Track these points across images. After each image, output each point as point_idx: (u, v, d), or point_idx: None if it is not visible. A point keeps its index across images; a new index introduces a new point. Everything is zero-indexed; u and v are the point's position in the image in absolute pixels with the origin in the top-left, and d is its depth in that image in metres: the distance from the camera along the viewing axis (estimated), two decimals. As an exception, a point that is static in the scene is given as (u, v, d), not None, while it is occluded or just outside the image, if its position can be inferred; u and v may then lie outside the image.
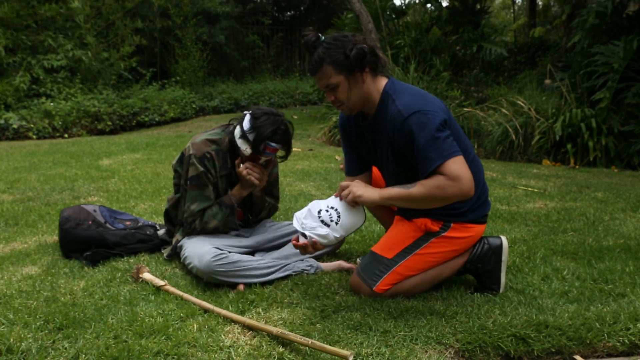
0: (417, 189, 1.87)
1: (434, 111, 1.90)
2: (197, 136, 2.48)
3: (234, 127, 2.41)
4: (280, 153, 2.47)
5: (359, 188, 1.97)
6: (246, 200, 2.59)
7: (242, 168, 2.39)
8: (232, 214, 2.47)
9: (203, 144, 2.42)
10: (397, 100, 1.95)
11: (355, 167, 2.28)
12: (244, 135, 2.35)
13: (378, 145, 2.09)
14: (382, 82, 2.04)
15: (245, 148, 2.36)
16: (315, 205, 2.04)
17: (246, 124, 2.35)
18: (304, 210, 2.05)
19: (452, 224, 2.07)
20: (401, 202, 1.94)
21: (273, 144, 2.33)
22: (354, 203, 1.99)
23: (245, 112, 2.41)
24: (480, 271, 2.15)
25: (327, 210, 2.00)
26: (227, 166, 2.47)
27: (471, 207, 2.07)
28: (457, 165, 1.83)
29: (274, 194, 2.69)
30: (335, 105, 2.06)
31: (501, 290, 2.15)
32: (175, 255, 2.54)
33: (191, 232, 2.45)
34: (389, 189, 1.96)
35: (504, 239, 2.18)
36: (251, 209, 2.64)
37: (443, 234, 2.07)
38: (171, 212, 2.64)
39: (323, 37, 2.00)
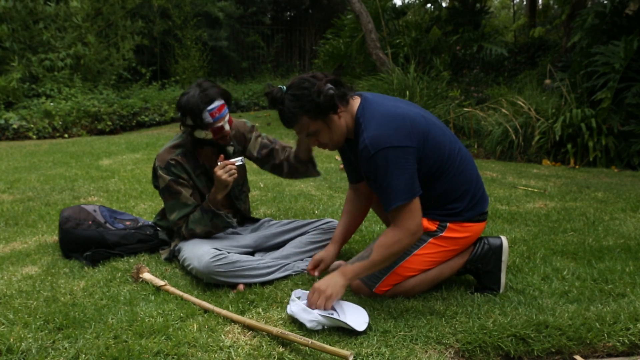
0: (376, 253, 1.92)
1: (402, 146, 1.88)
2: (162, 147, 2.47)
3: (186, 127, 2.38)
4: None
5: (327, 288, 1.90)
6: (232, 200, 2.58)
7: (217, 168, 2.28)
8: (216, 217, 2.39)
9: (166, 153, 2.42)
10: (365, 131, 1.92)
11: (354, 176, 2.30)
12: (189, 125, 2.33)
13: (357, 165, 2.10)
14: (354, 105, 2.02)
15: (204, 135, 2.34)
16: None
17: (182, 118, 2.33)
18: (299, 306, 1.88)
19: (448, 224, 2.07)
20: (367, 271, 1.97)
21: (211, 106, 2.27)
22: (330, 303, 1.91)
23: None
24: (480, 271, 2.15)
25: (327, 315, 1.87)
26: (199, 163, 2.46)
27: (466, 206, 2.07)
28: (410, 212, 1.89)
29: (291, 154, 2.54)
30: (321, 147, 2.07)
31: (501, 291, 2.15)
32: (174, 258, 2.54)
33: (183, 239, 2.45)
34: (350, 267, 1.95)
35: (504, 239, 2.18)
36: (278, 170, 2.55)
37: (440, 234, 2.07)
38: (162, 224, 2.65)
39: (284, 88, 1.97)
